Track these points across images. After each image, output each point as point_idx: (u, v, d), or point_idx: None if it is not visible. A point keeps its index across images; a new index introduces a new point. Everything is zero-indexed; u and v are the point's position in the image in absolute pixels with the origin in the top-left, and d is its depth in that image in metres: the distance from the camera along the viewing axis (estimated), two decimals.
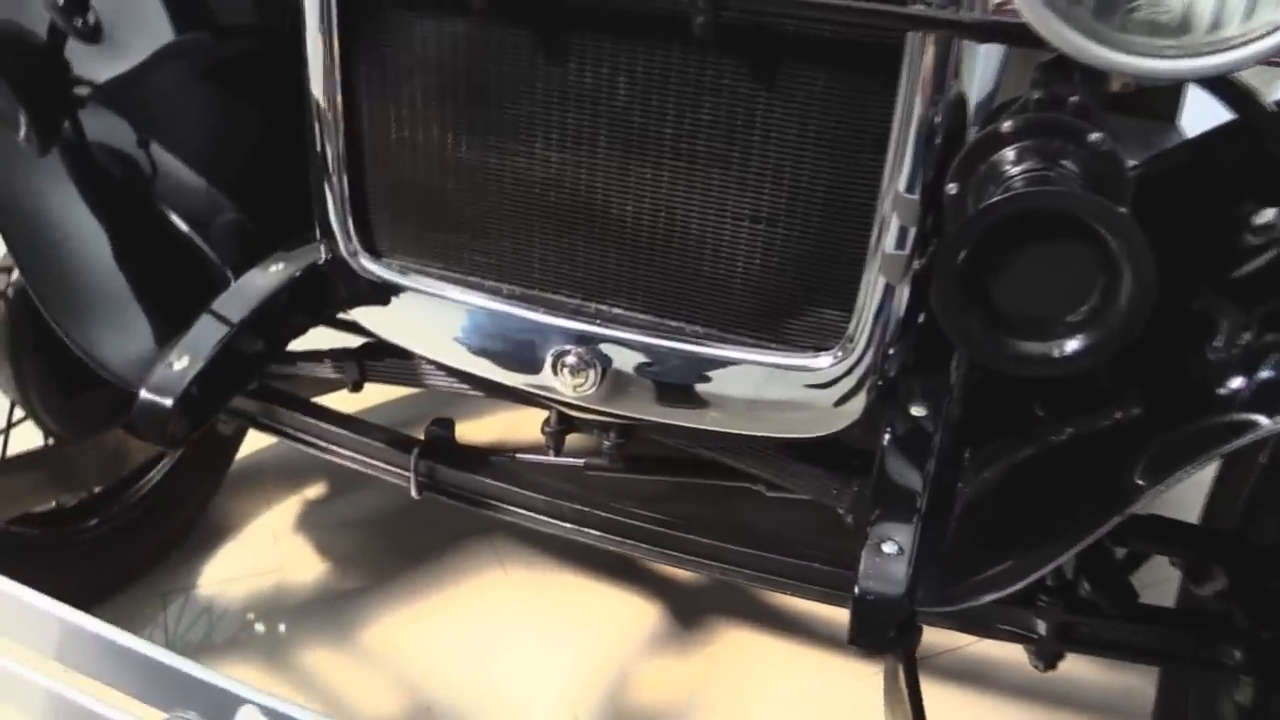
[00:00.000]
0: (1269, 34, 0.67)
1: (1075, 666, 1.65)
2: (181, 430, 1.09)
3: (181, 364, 1.08)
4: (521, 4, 0.95)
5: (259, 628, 1.62)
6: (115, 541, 1.65)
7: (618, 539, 1.25)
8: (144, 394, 1.06)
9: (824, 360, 1.01)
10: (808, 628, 1.69)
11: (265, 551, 1.77)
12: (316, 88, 1.08)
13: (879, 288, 0.96)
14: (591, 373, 1.10)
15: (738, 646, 1.63)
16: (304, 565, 1.75)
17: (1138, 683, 1.63)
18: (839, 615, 1.67)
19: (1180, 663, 1.10)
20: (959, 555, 0.86)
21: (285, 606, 1.66)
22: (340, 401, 1.41)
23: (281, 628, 1.63)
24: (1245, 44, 0.69)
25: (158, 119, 1.23)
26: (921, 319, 0.99)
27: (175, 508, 1.74)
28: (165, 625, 1.62)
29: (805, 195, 0.95)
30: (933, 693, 1.59)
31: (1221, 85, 0.82)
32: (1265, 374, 0.78)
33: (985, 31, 0.79)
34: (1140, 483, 0.75)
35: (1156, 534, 1.12)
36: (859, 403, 1.02)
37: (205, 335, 1.12)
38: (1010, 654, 1.58)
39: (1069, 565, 1.14)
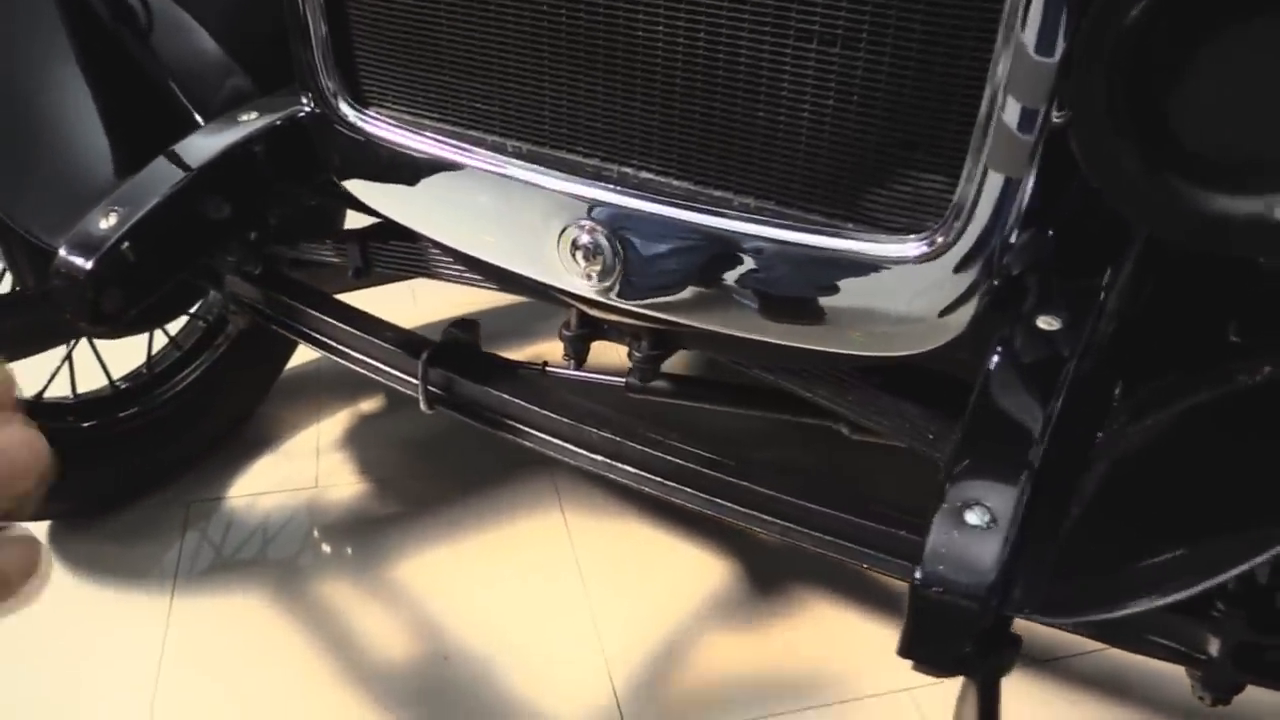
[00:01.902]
0: None
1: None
2: (114, 302, 0.89)
3: (110, 220, 0.88)
4: None
5: (280, 547, 1.45)
6: (151, 438, 1.51)
7: (654, 478, 0.99)
8: (61, 253, 0.87)
9: (919, 246, 0.72)
10: None
11: (304, 467, 1.59)
12: None
13: (1002, 141, 0.65)
14: (609, 255, 0.83)
15: (828, 628, 1.35)
16: (343, 485, 1.56)
17: None
18: None
19: None
20: (1088, 539, 0.56)
21: (313, 527, 1.48)
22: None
23: (304, 550, 1.45)
24: None
25: None
26: (1066, 190, 0.67)
27: (215, 408, 1.59)
28: (183, 536, 1.46)
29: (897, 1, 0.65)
30: (1060, 702, 1.28)
31: None
32: None
33: None
34: None
35: None
36: (967, 310, 0.72)
37: (147, 187, 0.91)
38: (1171, 669, 1.24)
39: (1263, 566, 0.81)
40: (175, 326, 1.55)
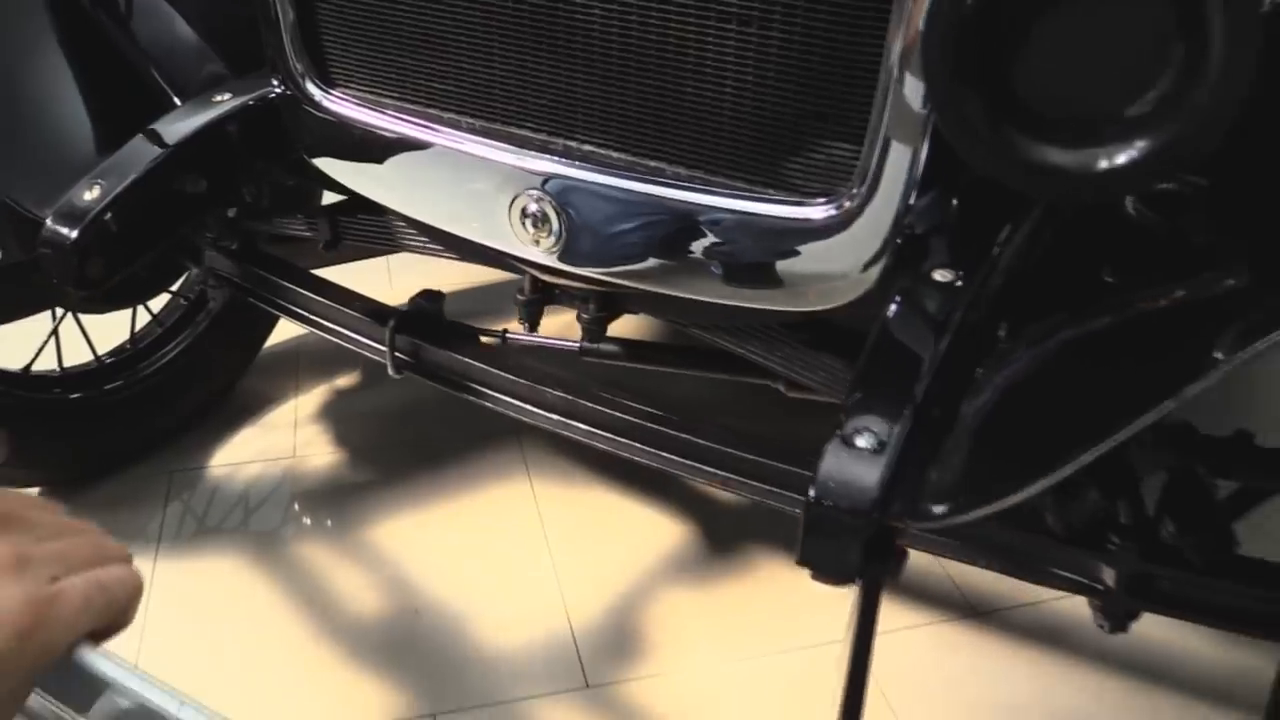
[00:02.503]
0: None
1: (1175, 635, 1.37)
2: (97, 270, 0.96)
3: (93, 192, 0.95)
4: None
5: (262, 513, 1.52)
6: (135, 410, 1.58)
7: (605, 434, 1.06)
8: (48, 223, 0.93)
9: (830, 209, 0.79)
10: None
11: (282, 438, 1.66)
12: None
13: (901, 110, 0.72)
14: (556, 223, 0.90)
15: (778, 586, 1.43)
16: (319, 454, 1.63)
17: (1257, 665, 1.34)
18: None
19: None
20: (962, 457, 0.63)
21: (292, 494, 1.55)
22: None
23: (284, 516, 1.51)
24: None
25: None
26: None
27: (197, 383, 1.65)
28: (165, 504, 1.53)
29: None
30: (997, 650, 1.36)
31: None
32: None
33: None
34: (1218, 356, 0.51)
35: (1273, 466, 0.85)
36: (875, 267, 0.79)
37: (128, 162, 0.98)
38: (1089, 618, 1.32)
39: (1151, 500, 0.89)
40: (158, 304, 1.61)
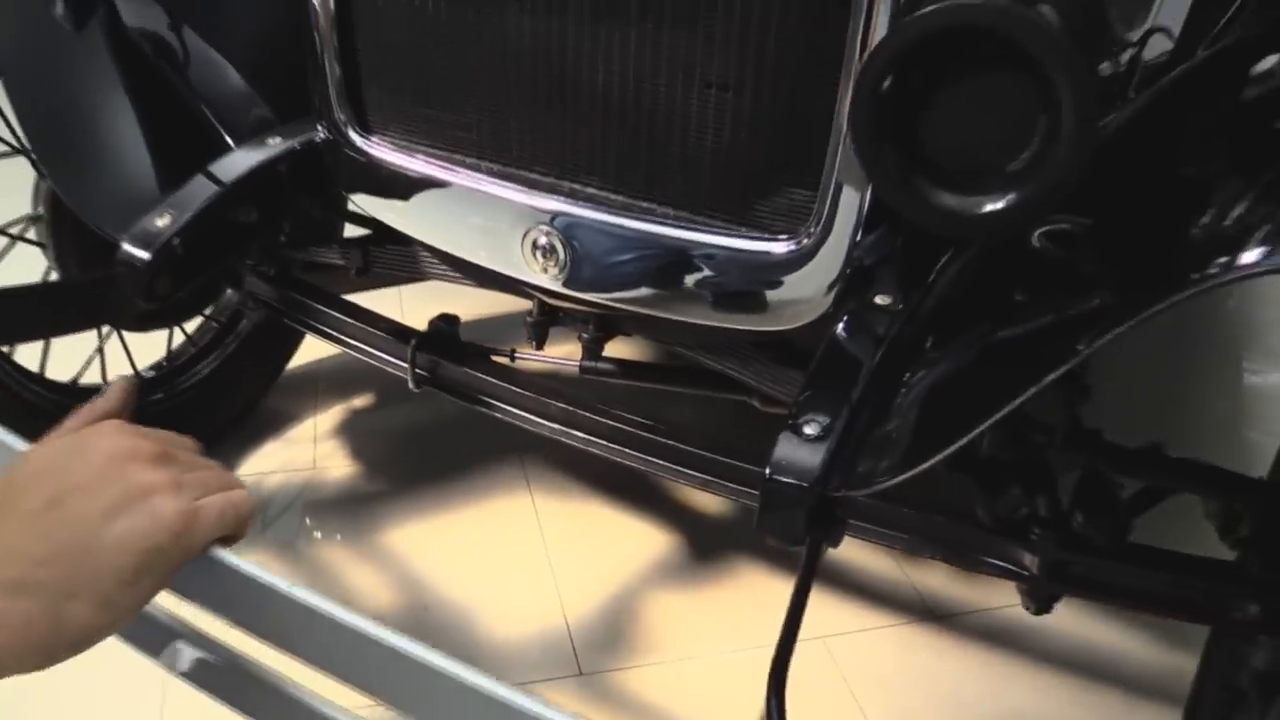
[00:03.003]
0: None
1: (1120, 639, 1.51)
2: (164, 287, 1.11)
3: (164, 220, 1.10)
4: None
5: (283, 520, 1.66)
6: (170, 423, 1.70)
7: (600, 441, 1.20)
8: (124, 245, 1.08)
9: (792, 245, 0.94)
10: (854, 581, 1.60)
11: (303, 451, 1.80)
12: None
13: (848, 163, 0.87)
14: (561, 254, 1.06)
15: (760, 590, 1.56)
16: (337, 467, 1.77)
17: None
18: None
19: (1184, 615, 0.97)
20: (889, 440, 0.78)
21: (311, 502, 1.69)
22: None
23: (305, 522, 1.65)
24: None
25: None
26: None
27: (228, 396, 1.80)
28: None
29: (771, 57, 0.88)
30: (955, 650, 1.49)
31: None
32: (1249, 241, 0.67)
33: None
34: (1079, 347, 0.66)
35: (1171, 470, 1.00)
36: (830, 293, 0.94)
37: (193, 195, 1.13)
38: (1040, 623, 1.46)
39: (1066, 497, 1.03)
40: (192, 326, 1.76)
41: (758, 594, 1.55)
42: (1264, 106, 0.75)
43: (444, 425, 1.86)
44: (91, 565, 0.58)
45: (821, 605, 1.55)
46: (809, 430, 0.78)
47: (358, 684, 0.63)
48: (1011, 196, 0.65)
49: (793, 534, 0.77)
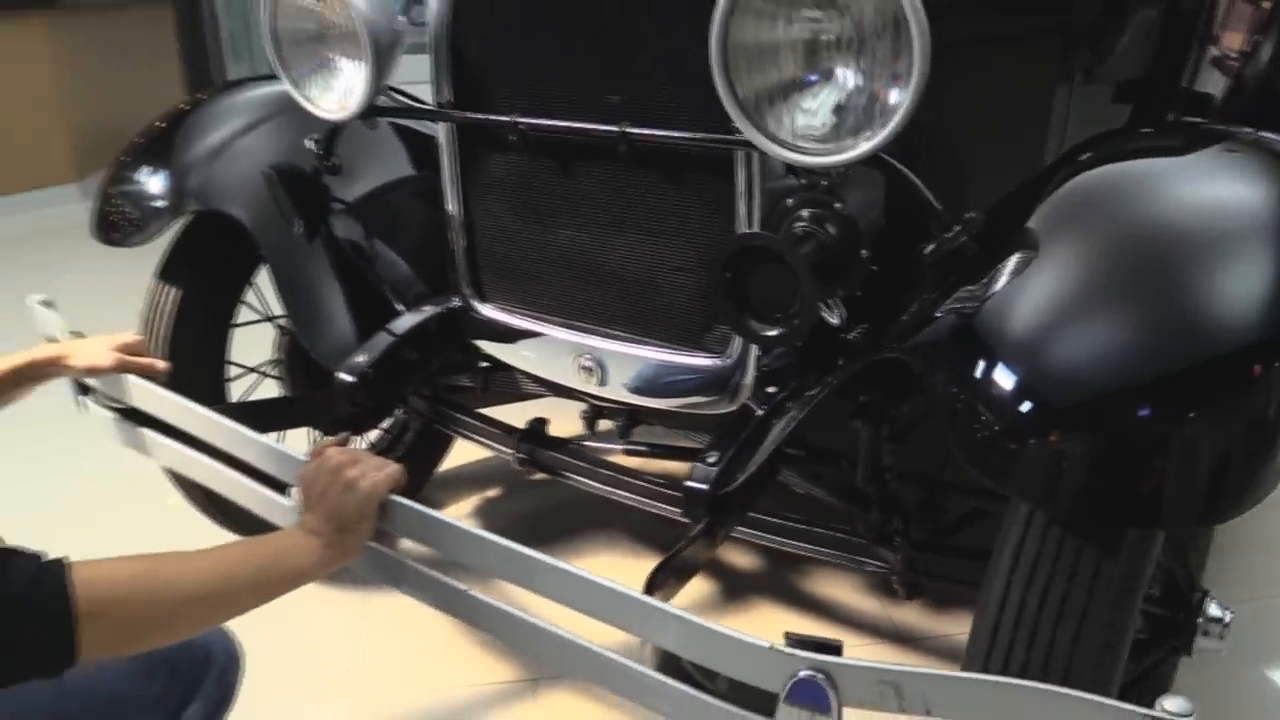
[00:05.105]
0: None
1: None
2: (363, 399, 1.82)
3: (362, 358, 1.81)
4: (540, 143, 1.63)
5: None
6: None
7: (630, 496, 1.82)
8: (339, 374, 1.80)
9: (721, 360, 1.57)
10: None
11: None
12: (448, 197, 1.81)
13: None
14: (598, 371, 1.71)
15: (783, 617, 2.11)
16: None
17: None
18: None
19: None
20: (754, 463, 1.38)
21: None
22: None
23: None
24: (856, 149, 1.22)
25: (369, 218, 2.02)
26: None
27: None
28: None
29: (700, 250, 1.53)
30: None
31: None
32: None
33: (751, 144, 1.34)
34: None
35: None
36: (747, 387, 1.55)
37: (378, 343, 1.85)
38: None
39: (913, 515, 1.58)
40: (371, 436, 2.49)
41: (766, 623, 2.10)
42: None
43: (548, 512, 2.51)
44: (346, 515, 1.23)
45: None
46: (710, 459, 1.40)
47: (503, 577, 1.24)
48: (783, 329, 1.27)
49: (698, 516, 1.38)
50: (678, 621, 1.03)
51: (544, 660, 1.25)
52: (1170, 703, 0.86)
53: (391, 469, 1.29)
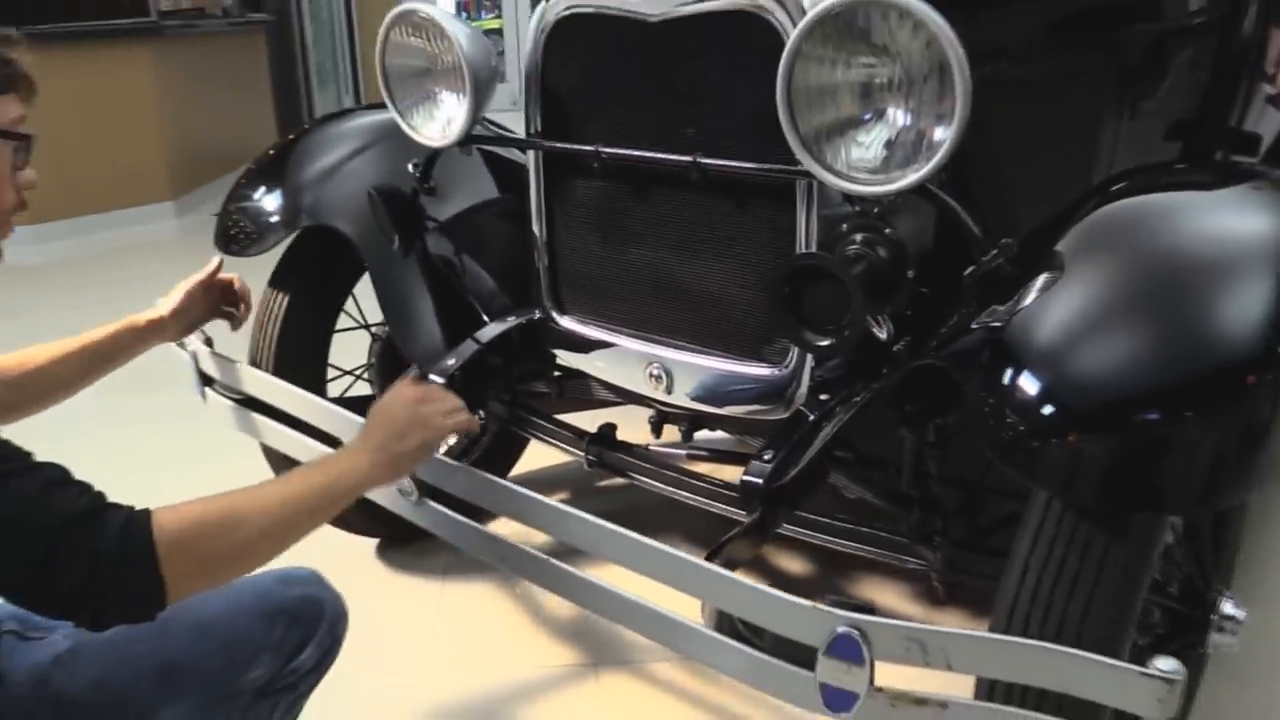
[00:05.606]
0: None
1: None
2: None
3: (450, 361, 2.00)
4: (620, 171, 1.80)
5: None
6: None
7: (699, 500, 1.98)
8: (430, 375, 1.99)
9: (780, 370, 1.72)
10: None
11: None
12: (534, 218, 2.00)
13: None
14: (666, 379, 1.87)
15: None
16: None
17: None
18: None
19: None
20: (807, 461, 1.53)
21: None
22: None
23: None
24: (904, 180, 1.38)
25: (460, 235, 2.22)
26: None
27: None
28: (444, 572, 2.53)
29: (762, 269, 1.69)
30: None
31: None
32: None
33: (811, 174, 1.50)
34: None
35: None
36: (802, 392, 1.70)
37: (465, 349, 2.03)
38: None
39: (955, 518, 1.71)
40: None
41: None
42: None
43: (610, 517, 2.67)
44: (409, 435, 1.40)
45: None
46: (766, 456, 1.55)
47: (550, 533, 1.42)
48: (834, 340, 1.42)
49: (752, 507, 1.53)
50: (733, 584, 1.18)
51: (617, 619, 1.41)
52: (1162, 662, 0.99)
53: (463, 415, 1.48)
